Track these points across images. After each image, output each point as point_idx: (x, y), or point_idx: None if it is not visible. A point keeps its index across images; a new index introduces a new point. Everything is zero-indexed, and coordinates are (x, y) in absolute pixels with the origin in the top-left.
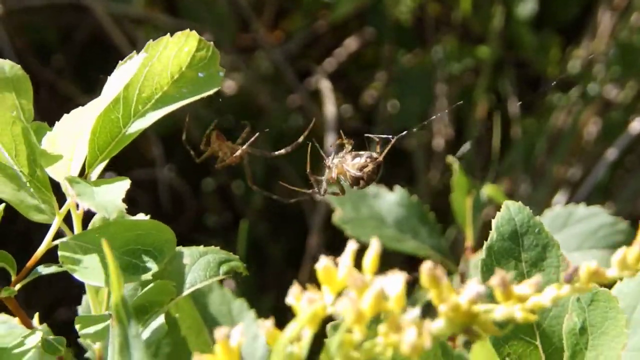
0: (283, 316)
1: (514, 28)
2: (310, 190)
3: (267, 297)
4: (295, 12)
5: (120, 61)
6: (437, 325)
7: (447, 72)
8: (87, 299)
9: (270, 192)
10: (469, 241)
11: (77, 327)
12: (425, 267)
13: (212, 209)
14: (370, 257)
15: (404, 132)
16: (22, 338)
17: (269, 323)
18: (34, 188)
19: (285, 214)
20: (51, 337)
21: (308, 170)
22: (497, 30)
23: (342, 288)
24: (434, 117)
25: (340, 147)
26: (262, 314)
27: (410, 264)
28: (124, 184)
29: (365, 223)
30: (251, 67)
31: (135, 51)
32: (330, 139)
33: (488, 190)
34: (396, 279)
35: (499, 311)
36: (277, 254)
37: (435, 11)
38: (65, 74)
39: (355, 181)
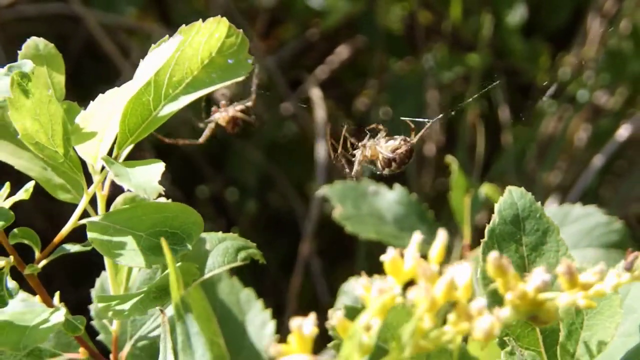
0: (278, 321)
1: (503, 36)
2: (345, 171)
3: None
4: (287, 21)
5: (113, 71)
6: (504, 313)
7: (438, 79)
8: (101, 281)
9: (263, 203)
10: (467, 239)
11: (95, 305)
12: (491, 257)
13: (206, 216)
14: (437, 248)
15: (440, 116)
16: (48, 315)
17: (339, 313)
18: (66, 168)
19: (279, 220)
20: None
21: (340, 151)
22: (487, 38)
23: (407, 279)
24: (428, 122)
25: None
26: None
27: None
28: (160, 166)
29: (365, 220)
30: None
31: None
32: (322, 146)
33: (486, 189)
34: (464, 269)
35: (563, 298)
36: (270, 261)
37: (426, 19)
38: None
39: (388, 163)
